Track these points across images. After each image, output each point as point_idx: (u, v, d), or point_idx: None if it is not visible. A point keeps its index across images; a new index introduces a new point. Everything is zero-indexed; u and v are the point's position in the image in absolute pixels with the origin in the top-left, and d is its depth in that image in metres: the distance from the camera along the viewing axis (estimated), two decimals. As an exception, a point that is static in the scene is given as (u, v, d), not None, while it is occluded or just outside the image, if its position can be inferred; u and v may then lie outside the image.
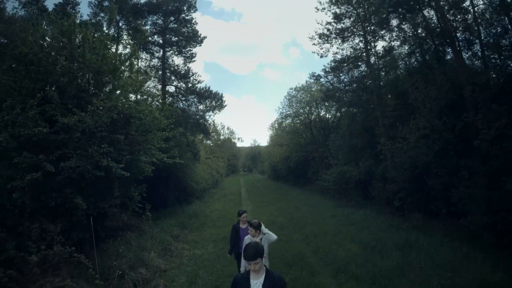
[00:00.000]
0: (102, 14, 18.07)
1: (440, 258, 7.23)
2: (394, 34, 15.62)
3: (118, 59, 7.33)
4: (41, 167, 5.39)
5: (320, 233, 9.61)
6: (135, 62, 8.78)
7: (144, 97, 8.82)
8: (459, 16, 10.56)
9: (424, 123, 8.70)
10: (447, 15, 11.09)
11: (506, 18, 9.31)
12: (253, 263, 2.52)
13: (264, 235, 4.51)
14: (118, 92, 6.96)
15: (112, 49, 7.72)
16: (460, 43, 10.99)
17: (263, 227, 4.53)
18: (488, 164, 8.36)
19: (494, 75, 8.95)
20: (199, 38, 19.13)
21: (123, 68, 7.38)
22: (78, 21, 9.49)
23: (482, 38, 10.13)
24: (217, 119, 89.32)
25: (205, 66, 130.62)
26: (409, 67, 11.73)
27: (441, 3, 11.80)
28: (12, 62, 7.22)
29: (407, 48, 11.88)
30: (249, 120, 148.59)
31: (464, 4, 10.86)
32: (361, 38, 18.79)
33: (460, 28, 10.58)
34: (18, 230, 5.78)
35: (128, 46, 15.53)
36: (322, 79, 18.44)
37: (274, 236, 4.53)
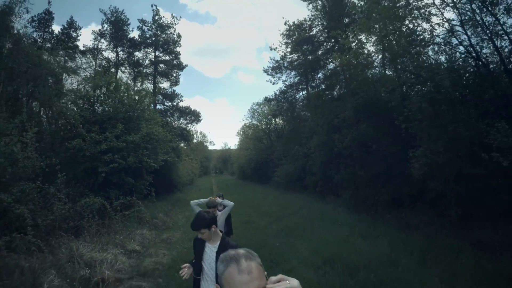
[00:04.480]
0: (102, 40, 23.28)
1: (321, 212, 13.63)
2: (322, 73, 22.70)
3: (143, 102, 13.13)
4: (115, 161, 11.06)
5: (261, 204, 15.92)
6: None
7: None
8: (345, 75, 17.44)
9: (317, 138, 15.38)
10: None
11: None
12: (198, 232, 2.65)
13: (222, 209, 5.01)
14: (150, 122, 12.80)
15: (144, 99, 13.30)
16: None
17: (219, 199, 4.93)
18: (353, 161, 15.10)
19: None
20: (182, 66, 24.90)
21: (147, 108, 13.19)
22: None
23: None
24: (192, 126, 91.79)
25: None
26: (322, 100, 18.59)
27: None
28: (77, 99, 12.78)
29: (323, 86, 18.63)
30: (221, 122, 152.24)
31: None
32: (303, 69, 25.66)
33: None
34: (100, 193, 11.33)
35: (126, 71, 20.99)
36: (272, 102, 24.91)
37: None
